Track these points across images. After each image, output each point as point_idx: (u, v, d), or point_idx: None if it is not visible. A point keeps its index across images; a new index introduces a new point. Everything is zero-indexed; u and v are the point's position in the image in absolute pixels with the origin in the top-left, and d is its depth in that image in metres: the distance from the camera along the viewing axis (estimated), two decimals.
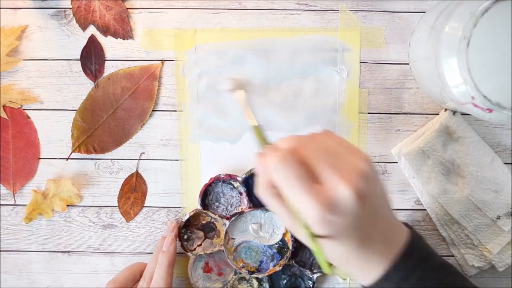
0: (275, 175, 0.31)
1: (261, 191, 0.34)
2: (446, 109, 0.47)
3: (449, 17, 0.36)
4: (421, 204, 0.49)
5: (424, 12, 0.47)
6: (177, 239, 0.48)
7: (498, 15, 0.34)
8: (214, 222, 0.50)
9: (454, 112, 0.47)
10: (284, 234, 0.49)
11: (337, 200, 0.30)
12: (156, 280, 0.44)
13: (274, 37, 0.48)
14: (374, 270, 0.33)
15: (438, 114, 0.48)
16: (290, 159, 0.31)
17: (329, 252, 0.32)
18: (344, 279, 0.50)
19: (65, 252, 0.51)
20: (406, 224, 0.37)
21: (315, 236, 0.32)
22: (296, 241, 0.48)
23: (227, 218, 0.48)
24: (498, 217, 0.47)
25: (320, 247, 0.31)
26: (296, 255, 0.49)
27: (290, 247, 0.47)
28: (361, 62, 0.48)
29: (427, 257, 0.35)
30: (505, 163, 0.48)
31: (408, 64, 0.48)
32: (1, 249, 0.51)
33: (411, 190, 0.49)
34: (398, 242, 0.34)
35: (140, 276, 0.46)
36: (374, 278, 0.33)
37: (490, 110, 0.35)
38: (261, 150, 0.35)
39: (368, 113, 0.49)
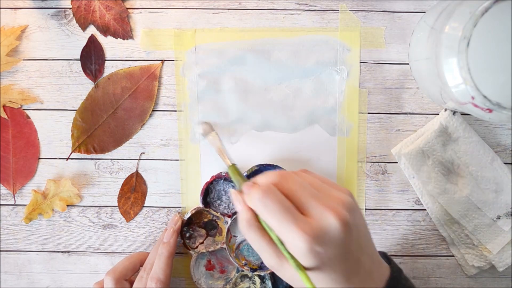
0: (260, 208, 0.31)
1: (245, 227, 0.33)
2: (446, 109, 0.47)
3: (449, 17, 0.36)
4: (421, 204, 0.49)
5: (424, 12, 0.47)
6: (179, 234, 0.48)
7: (498, 15, 0.34)
8: (216, 220, 0.50)
9: (454, 112, 0.47)
10: None
11: (324, 231, 0.30)
12: (155, 270, 0.44)
13: (274, 37, 0.48)
14: None
15: (438, 114, 0.48)
16: (274, 191, 0.31)
17: (316, 284, 0.32)
18: None
19: (65, 252, 0.51)
20: (385, 255, 0.38)
21: (302, 268, 0.31)
22: None
23: (229, 216, 0.48)
24: (498, 217, 0.47)
25: (309, 278, 0.31)
26: None
27: None
28: (361, 62, 0.48)
29: None
30: (505, 163, 0.48)
31: (408, 64, 0.48)
32: (1, 249, 0.51)
33: (411, 190, 0.49)
34: (381, 278, 0.34)
35: (140, 266, 0.47)
36: None
37: (490, 110, 0.35)
38: (240, 188, 0.35)
39: (368, 113, 0.49)
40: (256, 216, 0.33)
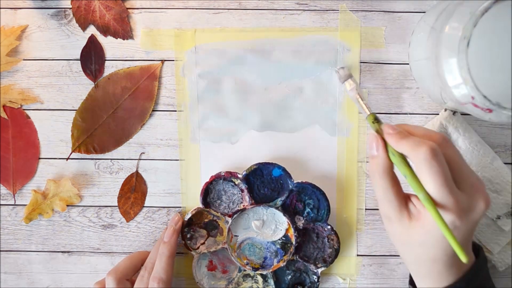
0: (424, 166, 0.32)
1: (379, 173, 0.34)
2: (446, 109, 0.47)
3: (449, 17, 0.36)
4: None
5: (424, 12, 0.47)
6: (180, 234, 0.48)
7: (498, 15, 0.34)
8: (217, 220, 0.50)
9: (454, 112, 0.47)
10: (287, 230, 0.49)
11: (471, 209, 0.33)
12: (157, 270, 0.44)
13: (274, 37, 0.48)
14: (445, 276, 0.35)
15: (438, 114, 0.48)
16: (441, 156, 0.32)
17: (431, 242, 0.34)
18: (344, 279, 0.50)
19: (65, 252, 0.51)
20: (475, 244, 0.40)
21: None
22: (299, 236, 0.48)
23: (230, 216, 0.48)
24: (498, 217, 0.47)
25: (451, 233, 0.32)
26: (300, 250, 0.49)
27: (294, 242, 0.47)
28: (361, 62, 0.48)
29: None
30: (505, 163, 0.48)
31: (408, 64, 0.48)
32: (1, 249, 0.51)
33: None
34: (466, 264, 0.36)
35: (141, 265, 0.47)
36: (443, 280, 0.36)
37: (490, 110, 0.35)
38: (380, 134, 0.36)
39: None
40: (392, 166, 0.35)
